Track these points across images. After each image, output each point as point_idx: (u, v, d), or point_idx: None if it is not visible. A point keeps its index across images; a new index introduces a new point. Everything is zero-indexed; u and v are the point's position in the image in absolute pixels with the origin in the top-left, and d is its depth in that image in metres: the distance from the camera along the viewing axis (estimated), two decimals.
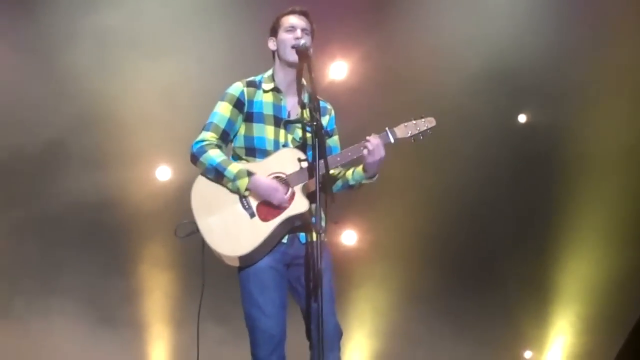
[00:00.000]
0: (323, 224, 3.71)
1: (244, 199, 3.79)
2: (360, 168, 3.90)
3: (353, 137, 3.91)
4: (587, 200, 7.01)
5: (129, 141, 6.39)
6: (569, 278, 7.16)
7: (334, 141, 4.08)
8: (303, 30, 3.91)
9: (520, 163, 7.12)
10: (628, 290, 6.92)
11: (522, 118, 7.30)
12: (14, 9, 6.30)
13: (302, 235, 3.87)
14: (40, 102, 6.30)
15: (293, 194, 3.78)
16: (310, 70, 3.72)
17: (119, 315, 6.52)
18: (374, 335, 7.01)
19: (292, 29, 3.90)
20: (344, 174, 3.96)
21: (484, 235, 7.15)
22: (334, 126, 4.10)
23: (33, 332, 6.31)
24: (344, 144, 4.04)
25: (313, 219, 3.74)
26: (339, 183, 3.98)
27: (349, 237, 7.14)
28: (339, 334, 3.85)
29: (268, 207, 3.77)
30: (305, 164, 3.78)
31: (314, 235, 3.64)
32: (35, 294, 6.36)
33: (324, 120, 3.98)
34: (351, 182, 3.95)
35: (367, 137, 3.81)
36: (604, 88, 6.84)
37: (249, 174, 3.77)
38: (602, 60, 6.76)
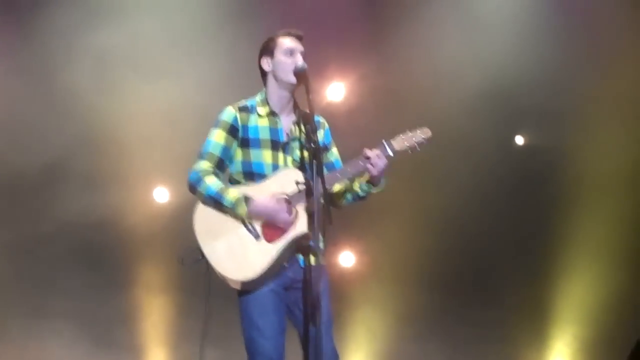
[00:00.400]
0: (321, 245, 3.66)
1: (247, 222, 3.77)
2: (365, 179, 3.90)
3: (350, 158, 3.89)
4: (584, 222, 7.01)
5: (126, 162, 6.37)
6: (566, 299, 7.14)
7: (333, 155, 4.08)
8: (300, 52, 3.91)
9: (517, 184, 7.12)
10: (625, 311, 6.90)
11: (519, 140, 7.31)
12: (12, 29, 6.31)
13: (301, 258, 3.84)
14: (37, 122, 6.28)
15: (297, 214, 3.77)
16: (308, 92, 3.68)
17: (115, 337, 6.45)
18: (370, 358, 6.97)
19: (292, 51, 3.89)
20: (351, 186, 3.95)
21: (481, 256, 7.14)
22: (330, 139, 4.09)
23: (28, 355, 6.24)
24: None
25: (311, 242, 3.73)
26: (349, 196, 3.98)
27: (346, 258, 7.12)
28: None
29: (273, 228, 3.76)
30: (302, 187, 3.75)
31: (312, 258, 3.62)
32: (30, 317, 6.30)
33: (319, 135, 3.95)
34: (361, 194, 3.94)
35: (365, 152, 3.80)
36: (602, 110, 6.85)
37: (247, 199, 3.74)
38: (599, 83, 6.79)
